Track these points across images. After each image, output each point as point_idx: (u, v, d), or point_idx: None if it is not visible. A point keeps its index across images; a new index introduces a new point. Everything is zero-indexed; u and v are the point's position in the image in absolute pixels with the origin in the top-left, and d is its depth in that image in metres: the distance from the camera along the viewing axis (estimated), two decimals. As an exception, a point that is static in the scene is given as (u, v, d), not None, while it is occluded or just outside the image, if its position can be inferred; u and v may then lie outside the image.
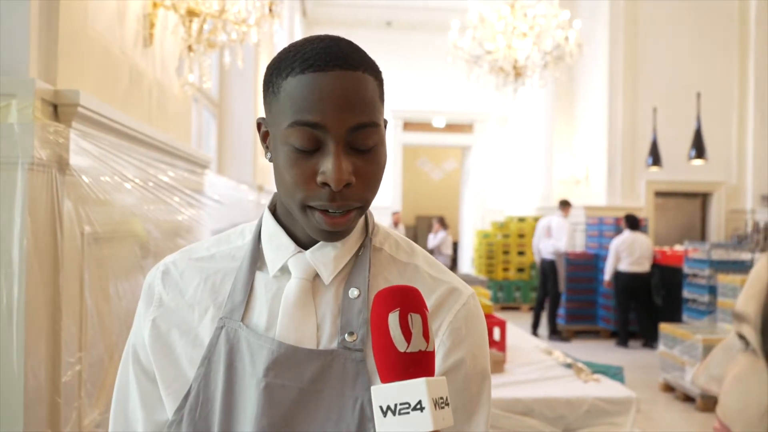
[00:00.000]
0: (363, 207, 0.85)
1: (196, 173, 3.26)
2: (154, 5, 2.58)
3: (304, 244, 0.90)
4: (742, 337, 0.57)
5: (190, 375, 0.88)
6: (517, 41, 6.81)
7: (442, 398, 0.67)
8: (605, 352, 7.73)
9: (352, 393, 0.84)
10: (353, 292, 0.88)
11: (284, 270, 0.89)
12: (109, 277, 2.09)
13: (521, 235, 11.49)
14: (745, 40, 9.70)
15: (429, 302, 0.88)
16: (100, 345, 2.01)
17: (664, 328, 6.28)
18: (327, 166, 0.80)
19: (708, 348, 5.44)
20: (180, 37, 2.60)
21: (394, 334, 0.69)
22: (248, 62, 5.75)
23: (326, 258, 0.88)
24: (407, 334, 0.69)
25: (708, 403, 5.56)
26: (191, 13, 2.55)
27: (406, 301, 0.71)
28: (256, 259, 0.91)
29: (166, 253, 2.72)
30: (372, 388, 0.69)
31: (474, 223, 13.33)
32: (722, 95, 9.63)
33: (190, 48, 2.58)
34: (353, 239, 0.91)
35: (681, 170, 9.40)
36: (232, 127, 6.06)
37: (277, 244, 0.90)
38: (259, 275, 0.91)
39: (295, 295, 0.87)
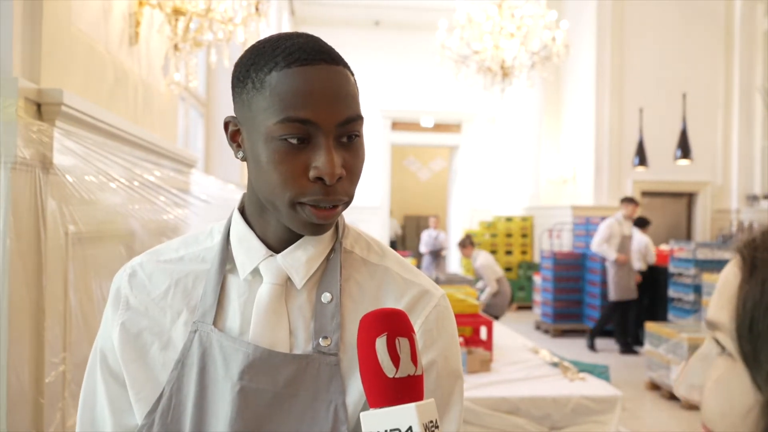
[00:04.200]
0: (349, 201, 0.85)
1: (182, 172, 3.25)
2: (140, 3, 2.56)
3: (274, 247, 0.89)
4: (718, 342, 0.58)
5: (163, 379, 0.87)
6: (505, 41, 6.83)
7: (432, 422, 0.67)
8: (590, 351, 7.77)
9: (326, 396, 0.84)
10: (326, 297, 0.87)
11: (255, 273, 0.89)
12: (94, 277, 2.08)
13: (509, 235, 11.53)
14: (730, 41, 9.78)
15: (401, 303, 0.89)
16: (84, 345, 1.99)
17: (650, 326, 6.32)
18: (320, 160, 0.79)
19: (693, 347, 5.48)
20: (166, 36, 2.58)
21: (382, 359, 0.69)
22: (235, 61, 5.73)
23: (298, 262, 0.88)
24: (395, 359, 0.69)
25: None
26: (177, 12, 2.54)
27: (393, 325, 0.70)
28: (226, 261, 0.90)
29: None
30: (361, 414, 0.68)
31: (462, 222, 13.35)
32: (708, 96, 9.72)
33: (176, 47, 2.57)
34: (325, 242, 0.91)
35: (667, 170, 9.47)
36: (219, 126, 6.04)
37: (247, 246, 0.89)
38: (230, 278, 0.90)
39: (268, 300, 0.87)
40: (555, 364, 4.11)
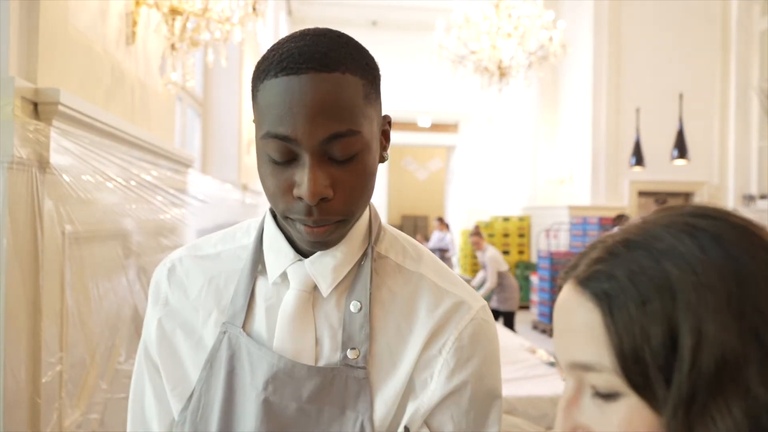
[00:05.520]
0: (345, 220, 0.79)
1: (179, 172, 3.24)
2: (137, 3, 2.56)
3: (303, 251, 0.84)
4: (596, 390, 0.55)
5: (194, 377, 0.86)
6: (502, 41, 6.84)
7: None
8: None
9: (354, 411, 0.81)
10: (355, 306, 0.83)
11: (284, 277, 0.85)
12: (91, 277, 2.07)
13: (506, 235, 11.53)
14: (726, 41, 9.80)
15: (434, 316, 0.84)
16: (81, 345, 1.99)
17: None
18: (301, 179, 0.74)
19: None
20: (163, 36, 2.58)
21: None
22: (233, 61, 5.73)
23: (325, 269, 0.83)
24: None
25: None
26: (174, 12, 2.53)
27: None
28: (258, 262, 0.87)
29: (148, 252, 2.70)
30: None
31: (459, 222, 13.35)
32: (704, 96, 9.73)
33: (173, 46, 2.57)
34: (355, 247, 0.85)
35: (664, 170, 9.49)
36: (216, 126, 6.03)
37: (277, 249, 0.85)
38: (260, 280, 0.87)
39: (293, 307, 0.83)
40: (552, 364, 4.12)
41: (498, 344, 0.88)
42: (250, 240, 0.90)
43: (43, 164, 1.69)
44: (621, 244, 0.56)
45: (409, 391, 0.82)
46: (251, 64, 7.10)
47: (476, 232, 7.35)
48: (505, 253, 11.47)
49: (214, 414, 0.84)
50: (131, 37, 2.56)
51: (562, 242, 10.06)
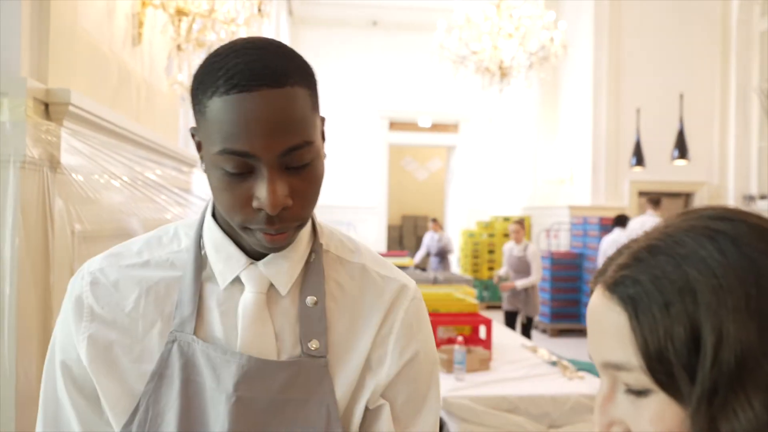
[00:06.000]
0: (302, 224, 0.83)
1: (183, 172, 3.26)
2: (143, 4, 2.58)
3: (252, 254, 0.86)
4: (629, 387, 0.59)
5: (138, 390, 0.84)
6: (503, 42, 6.86)
7: None
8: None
9: (318, 397, 0.85)
10: (310, 300, 0.87)
11: (235, 281, 0.87)
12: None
13: (506, 235, 11.53)
14: (726, 42, 9.82)
15: (382, 302, 0.91)
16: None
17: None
18: (261, 192, 0.76)
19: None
20: (169, 37, 2.60)
21: None
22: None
23: (280, 269, 0.86)
24: None
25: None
26: (180, 13, 2.55)
27: None
28: (201, 268, 0.87)
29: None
30: None
31: (459, 222, 13.38)
32: (705, 96, 9.75)
33: (179, 47, 2.59)
34: (303, 246, 0.89)
35: (664, 170, 9.51)
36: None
37: (226, 255, 0.86)
38: (207, 286, 0.87)
39: (252, 308, 0.85)
40: (553, 363, 4.13)
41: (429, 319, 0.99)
42: (181, 246, 0.89)
43: (54, 164, 1.71)
44: (645, 250, 0.60)
45: (366, 370, 0.89)
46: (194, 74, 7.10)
47: (520, 223, 6.87)
48: (506, 253, 11.49)
49: (167, 423, 0.83)
50: (137, 38, 2.58)
51: (562, 242, 10.08)
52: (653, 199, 8.11)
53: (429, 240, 10.64)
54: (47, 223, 1.70)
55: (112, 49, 2.32)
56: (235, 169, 0.76)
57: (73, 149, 1.80)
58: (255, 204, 0.77)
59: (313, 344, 0.86)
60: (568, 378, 3.84)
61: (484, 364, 3.84)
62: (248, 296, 0.86)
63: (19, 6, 1.63)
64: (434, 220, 11.00)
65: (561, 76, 10.74)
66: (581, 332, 9.03)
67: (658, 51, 9.70)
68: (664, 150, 9.08)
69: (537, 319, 8.93)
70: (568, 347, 7.81)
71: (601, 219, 9.00)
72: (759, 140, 9.50)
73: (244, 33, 2.71)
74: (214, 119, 0.76)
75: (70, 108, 1.71)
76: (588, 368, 4.35)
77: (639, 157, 9.01)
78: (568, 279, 9.18)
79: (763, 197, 9.48)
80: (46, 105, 1.69)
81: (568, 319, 9.10)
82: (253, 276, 0.86)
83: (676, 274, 0.56)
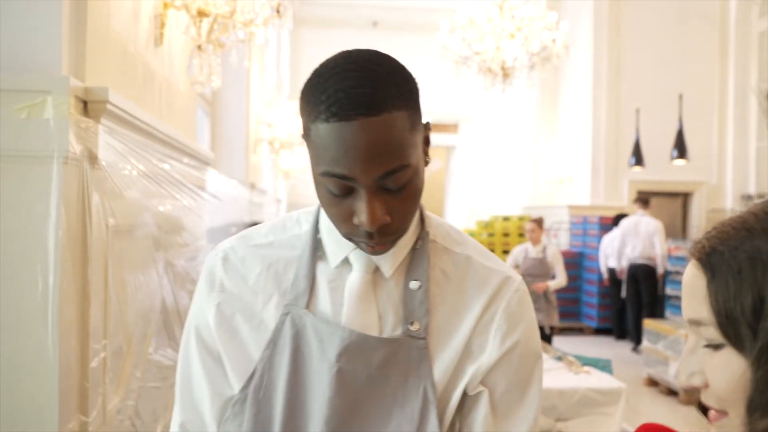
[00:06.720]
0: (403, 233, 0.90)
1: (200, 170, 3.32)
2: (165, 6, 2.64)
3: None
4: (702, 335, 0.70)
5: (255, 356, 0.93)
6: (505, 42, 6.92)
7: None
8: (589, 348, 7.87)
9: (417, 378, 0.90)
10: (414, 284, 0.93)
11: (345, 261, 0.94)
12: (128, 269, 2.15)
13: (506, 234, 11.60)
14: (725, 42, 9.91)
15: (485, 291, 0.95)
16: (120, 334, 2.07)
17: (648, 324, 6.43)
18: (361, 211, 0.83)
19: (691, 343, 5.59)
20: (190, 37, 2.66)
21: None
22: (240, 61, 5.80)
23: (386, 254, 0.93)
24: None
25: (691, 396, 5.71)
26: (201, 14, 2.61)
27: None
28: (316, 249, 0.96)
29: (173, 247, 2.78)
30: None
31: (459, 222, 13.44)
32: (703, 97, 9.83)
33: (200, 47, 2.65)
34: (409, 233, 0.95)
35: (663, 170, 9.59)
36: (225, 125, 6.11)
37: (337, 237, 0.93)
38: (320, 265, 0.96)
39: (358, 288, 0.93)
40: (559, 358, 4.20)
41: (534, 312, 1.01)
42: (302, 230, 0.99)
43: (92, 160, 1.77)
44: (730, 224, 0.71)
45: (466, 356, 0.93)
46: (258, 64, 7.17)
47: (537, 222, 6.38)
48: (505, 252, 11.55)
49: (279, 389, 0.91)
50: (159, 39, 2.64)
51: (562, 241, 10.16)
52: (642, 199, 8.27)
53: None
54: (86, 217, 1.76)
55: (138, 49, 2.38)
56: (337, 190, 0.84)
57: (108, 146, 1.86)
58: (355, 221, 0.85)
59: (415, 326, 0.92)
60: (575, 373, 3.91)
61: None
62: (355, 276, 0.93)
63: (60, 7, 1.69)
64: None
65: (561, 77, 10.82)
66: (582, 331, 9.10)
67: (657, 51, 9.78)
68: (664, 150, 9.16)
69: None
70: (569, 346, 7.86)
71: (601, 218, 9.08)
72: (757, 140, 9.59)
73: (262, 34, 2.77)
74: (317, 143, 0.83)
75: (108, 106, 1.77)
76: (593, 363, 4.42)
77: (638, 157, 9.09)
78: (569, 278, 9.23)
79: (761, 196, 9.56)
80: (85, 103, 1.75)
81: (568, 318, 9.17)
82: (361, 257, 0.93)
83: (749, 247, 0.67)
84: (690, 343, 0.72)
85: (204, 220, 3.46)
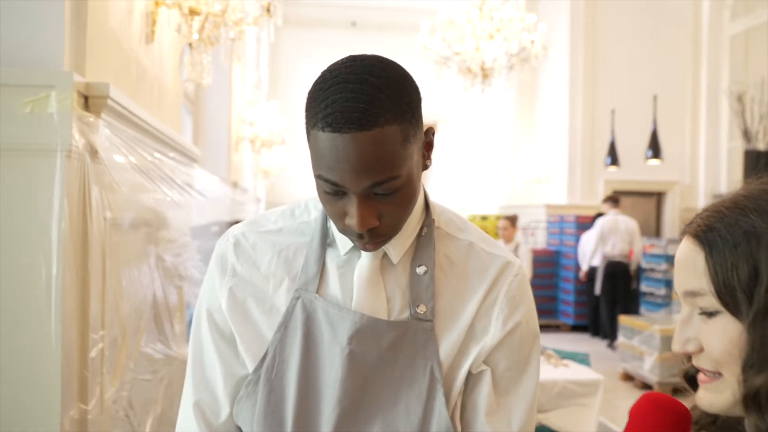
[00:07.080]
0: (395, 232, 0.94)
1: (187, 166, 3.35)
2: (156, 4, 2.68)
3: None
4: (697, 305, 0.77)
5: (268, 338, 0.98)
6: (485, 43, 7.01)
7: None
8: (566, 344, 8.00)
9: (423, 358, 0.96)
10: (420, 270, 0.98)
11: (354, 248, 0.99)
12: (123, 262, 2.19)
13: (484, 233, 11.73)
14: (698, 45, 10.12)
15: (487, 276, 1.01)
16: (115, 326, 2.11)
17: (623, 320, 6.57)
18: (351, 214, 0.88)
19: (666, 338, 5.74)
20: (181, 35, 2.70)
21: None
22: (230, 60, 5.82)
23: (394, 241, 0.98)
24: None
25: (665, 389, 5.85)
26: (193, 12, 2.65)
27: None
28: (326, 236, 1.01)
29: (162, 242, 2.82)
30: None
31: (437, 221, 13.52)
32: (677, 98, 10.04)
33: (191, 45, 2.69)
34: (414, 220, 1.00)
35: (638, 170, 9.77)
36: (207, 123, 6.12)
37: None
38: (330, 251, 1.00)
39: (367, 273, 0.97)
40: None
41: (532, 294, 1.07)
42: (311, 217, 1.03)
43: (93, 154, 1.81)
44: (722, 205, 0.79)
45: (470, 337, 0.99)
46: (240, 63, 7.18)
47: (510, 220, 6.49)
48: (483, 250, 11.68)
49: (291, 370, 0.96)
50: (150, 36, 2.68)
51: (539, 240, 10.30)
52: (612, 198, 8.47)
53: None
54: (86, 210, 1.80)
55: (132, 46, 2.42)
56: (331, 191, 0.89)
57: (107, 140, 1.90)
58: (347, 221, 0.90)
59: (421, 309, 0.97)
60: (554, 365, 4.00)
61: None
62: (364, 262, 0.98)
63: (62, 5, 1.73)
64: None
65: (537, 78, 10.96)
66: (559, 328, 9.25)
67: (632, 53, 9.96)
68: (638, 150, 9.33)
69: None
70: (547, 342, 7.93)
71: (578, 217, 9.23)
72: (728, 141, 9.80)
73: (252, 32, 2.81)
74: (314, 147, 0.88)
75: (108, 101, 1.81)
76: (571, 357, 4.52)
77: (614, 157, 9.26)
78: (545, 276, 9.38)
79: (732, 196, 9.77)
80: (86, 98, 1.79)
81: (545, 315, 9.30)
82: None
83: (744, 222, 0.74)
84: (684, 314, 0.79)
85: (190, 216, 3.50)
